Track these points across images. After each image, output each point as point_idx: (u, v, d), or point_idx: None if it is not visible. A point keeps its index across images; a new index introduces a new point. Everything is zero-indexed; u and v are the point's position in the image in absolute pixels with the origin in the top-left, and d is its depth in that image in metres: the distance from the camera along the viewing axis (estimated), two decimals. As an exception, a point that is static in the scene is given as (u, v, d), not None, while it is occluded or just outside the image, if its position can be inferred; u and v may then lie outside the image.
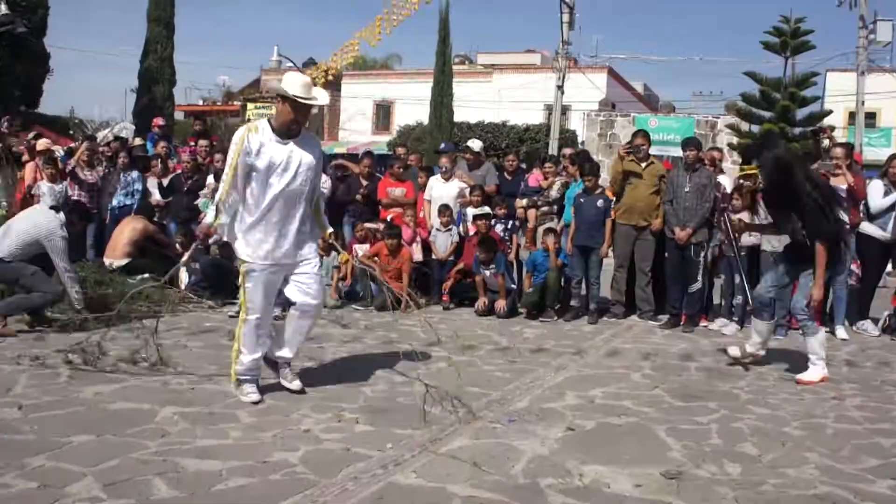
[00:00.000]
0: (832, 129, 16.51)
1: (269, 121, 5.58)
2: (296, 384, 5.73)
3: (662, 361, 7.28)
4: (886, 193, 9.14)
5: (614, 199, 9.61)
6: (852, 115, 27.93)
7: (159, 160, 11.81)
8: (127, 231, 10.14)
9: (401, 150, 12.00)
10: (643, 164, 9.50)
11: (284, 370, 5.82)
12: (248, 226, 5.51)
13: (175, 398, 5.43)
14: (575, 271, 9.57)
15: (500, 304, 9.31)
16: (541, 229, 10.00)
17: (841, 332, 8.94)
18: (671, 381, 6.49)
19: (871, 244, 9.27)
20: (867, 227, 9.23)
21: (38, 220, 7.66)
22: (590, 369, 6.79)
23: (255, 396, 5.45)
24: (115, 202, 11.24)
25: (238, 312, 5.86)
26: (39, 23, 27.25)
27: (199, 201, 10.68)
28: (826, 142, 11.64)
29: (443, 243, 10.38)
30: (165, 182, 11.28)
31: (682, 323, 9.11)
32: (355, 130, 40.02)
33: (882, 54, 28.88)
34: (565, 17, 26.84)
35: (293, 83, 5.48)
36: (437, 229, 10.42)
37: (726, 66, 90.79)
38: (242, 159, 5.39)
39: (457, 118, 30.36)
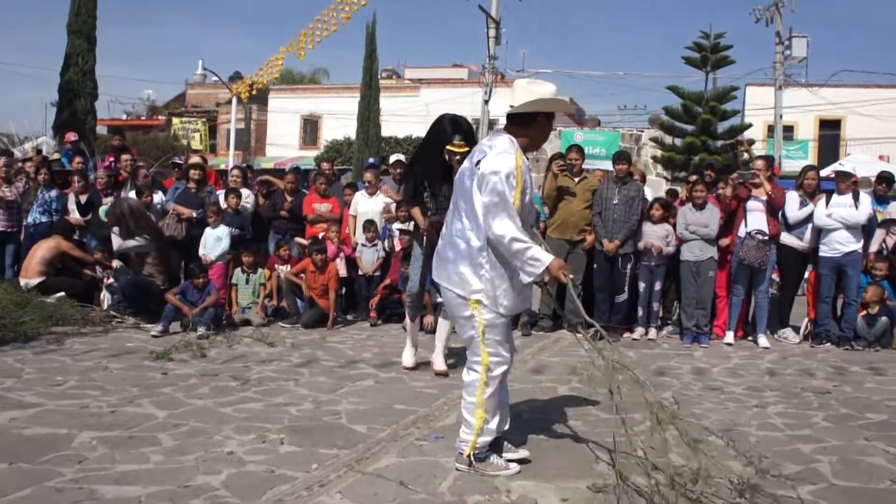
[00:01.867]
0: (751, 142, 16.93)
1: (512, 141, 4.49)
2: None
3: (589, 374, 7.31)
4: (802, 205, 9.39)
5: (547, 212, 9.68)
6: (771, 129, 28.71)
7: (78, 176, 11.49)
8: (41, 250, 9.85)
9: (326, 166, 11.91)
10: (576, 179, 9.59)
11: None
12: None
13: (94, 422, 5.26)
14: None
15: (428, 319, 9.27)
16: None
17: (763, 340, 9.14)
18: (598, 393, 6.52)
19: (790, 254, 9.52)
20: (785, 238, 9.47)
21: None
22: (517, 384, 6.78)
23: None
24: (30, 219, 10.88)
25: None
26: (-46, 36, 26.45)
27: (101, 209, 10.43)
28: (745, 154, 11.92)
29: (369, 259, 10.33)
30: (84, 199, 10.97)
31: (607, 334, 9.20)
32: (282, 145, 39.68)
33: (798, 69, 29.77)
34: (492, 32, 27.08)
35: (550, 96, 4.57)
36: (363, 245, 10.37)
37: (650, 81, 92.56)
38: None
39: (384, 132, 30.37)
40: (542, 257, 4.35)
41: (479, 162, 4.42)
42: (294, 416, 5.58)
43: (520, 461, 4.67)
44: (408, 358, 7.30)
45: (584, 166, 9.94)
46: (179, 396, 6.01)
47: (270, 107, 41.87)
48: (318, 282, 9.61)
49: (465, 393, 4.56)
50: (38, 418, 5.33)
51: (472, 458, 4.48)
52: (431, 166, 6.78)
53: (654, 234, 9.29)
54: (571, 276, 4.94)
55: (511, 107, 4.52)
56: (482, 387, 4.46)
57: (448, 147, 6.51)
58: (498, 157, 4.36)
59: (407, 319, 7.66)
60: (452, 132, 6.57)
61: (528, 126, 4.55)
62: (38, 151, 14.61)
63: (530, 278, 4.41)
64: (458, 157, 6.24)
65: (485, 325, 4.44)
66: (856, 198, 9.11)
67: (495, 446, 4.66)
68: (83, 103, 27.15)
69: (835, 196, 9.24)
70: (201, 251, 9.80)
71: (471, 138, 6.53)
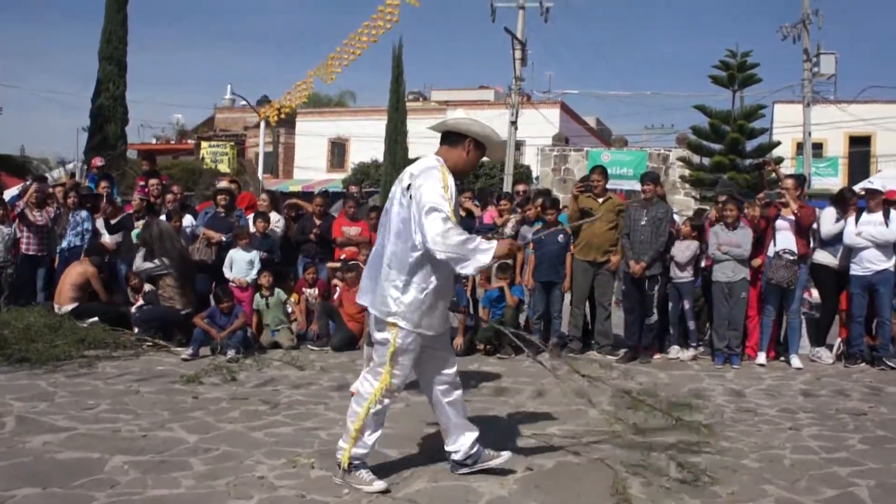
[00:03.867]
0: (779, 161, 16.84)
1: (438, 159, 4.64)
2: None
3: (620, 397, 7.25)
4: (838, 221, 9.30)
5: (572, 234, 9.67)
6: (800, 146, 28.49)
7: (105, 200, 11.62)
8: (71, 276, 9.94)
9: (354, 189, 11.95)
10: (600, 200, 9.56)
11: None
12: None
13: (126, 446, 5.29)
14: (536, 307, 9.56)
15: (458, 341, 9.24)
16: (494, 267, 9.98)
17: (795, 361, 9.02)
18: (629, 416, 6.47)
19: (826, 273, 9.43)
20: (820, 257, 9.39)
21: None
22: (548, 406, 6.75)
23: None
24: (64, 243, 11.01)
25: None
26: (-11, 63, 26.96)
27: (133, 232, 10.55)
28: (773, 174, 11.85)
29: (399, 281, 10.31)
30: (114, 222, 11.08)
31: (638, 356, 9.17)
32: (310, 168, 39.91)
33: (826, 86, 29.60)
34: (518, 54, 27.12)
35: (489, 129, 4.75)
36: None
37: (677, 101, 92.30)
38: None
39: (411, 154, 30.40)
40: (488, 244, 4.39)
41: (409, 185, 4.49)
42: (324, 440, 5.57)
43: (503, 472, 4.82)
44: None
45: (611, 186, 9.93)
46: (210, 420, 6.03)
47: (298, 130, 42.14)
48: (349, 301, 9.63)
49: (353, 401, 4.66)
50: (70, 442, 5.36)
51: (345, 468, 4.58)
52: None
53: (677, 249, 9.28)
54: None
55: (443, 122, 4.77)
56: (373, 403, 4.55)
57: None
58: (425, 172, 4.47)
59: None
60: None
61: (455, 146, 4.68)
62: (72, 176, 14.79)
63: (482, 264, 4.36)
64: None
65: (396, 348, 4.49)
66: (886, 215, 9.00)
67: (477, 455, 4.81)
68: (114, 128, 27.53)
69: (864, 214, 9.13)
70: (226, 274, 9.85)
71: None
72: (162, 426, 5.83)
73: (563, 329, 9.74)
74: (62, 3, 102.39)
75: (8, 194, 12.61)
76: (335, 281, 10.19)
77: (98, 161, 14.29)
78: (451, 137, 4.70)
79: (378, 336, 4.58)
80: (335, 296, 10.06)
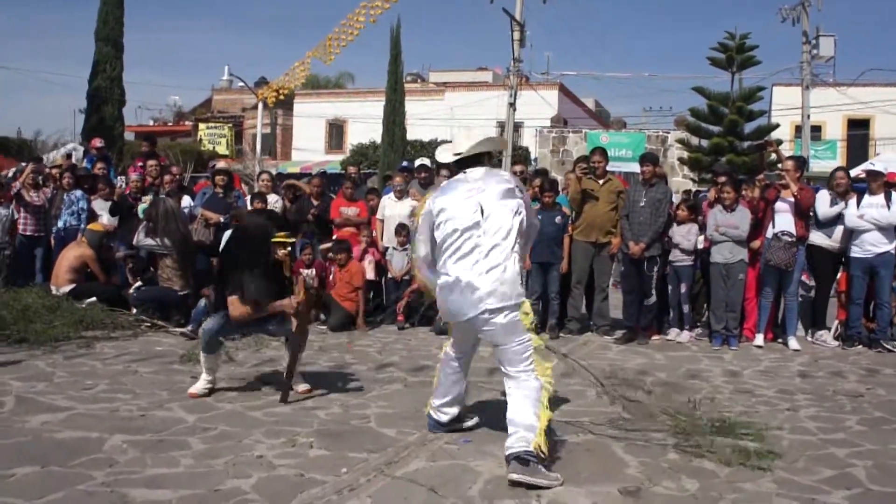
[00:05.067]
0: (778, 142, 16.78)
1: None
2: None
3: (619, 377, 7.27)
4: (833, 203, 9.27)
5: (572, 215, 9.65)
6: (798, 129, 28.45)
7: (102, 181, 11.59)
8: (67, 259, 9.91)
9: (352, 170, 11.93)
10: (601, 182, 9.56)
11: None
12: None
13: (125, 425, 5.29)
14: (533, 288, 9.56)
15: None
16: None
17: (793, 342, 9.05)
18: (628, 397, 6.48)
19: (822, 254, 9.43)
20: (816, 238, 9.38)
21: None
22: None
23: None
24: (60, 223, 10.99)
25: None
26: (-17, 43, 26.78)
27: (140, 207, 10.53)
28: (773, 156, 11.82)
29: (399, 263, 10.33)
30: (110, 204, 11.06)
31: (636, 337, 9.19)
32: (308, 149, 39.83)
33: (825, 69, 29.46)
34: (516, 35, 27.00)
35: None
36: (394, 248, 10.37)
37: (675, 83, 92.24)
38: None
39: (410, 136, 30.37)
40: None
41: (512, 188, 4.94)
42: (323, 419, 5.58)
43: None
44: None
45: (609, 168, 9.92)
46: (209, 400, 6.03)
47: (296, 111, 42.02)
48: (342, 281, 9.63)
49: (525, 400, 4.62)
50: (69, 422, 5.36)
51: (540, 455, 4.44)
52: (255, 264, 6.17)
53: (679, 234, 9.25)
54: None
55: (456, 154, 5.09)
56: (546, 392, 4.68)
57: (275, 240, 6.28)
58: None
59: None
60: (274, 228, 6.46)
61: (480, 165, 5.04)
62: (68, 157, 14.73)
63: None
64: (286, 249, 6.35)
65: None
66: (888, 198, 8.99)
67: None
68: (111, 110, 27.42)
69: (866, 196, 9.12)
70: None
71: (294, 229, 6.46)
72: (160, 406, 5.83)
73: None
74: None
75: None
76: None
77: (97, 142, 14.25)
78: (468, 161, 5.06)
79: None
80: (329, 277, 10.06)
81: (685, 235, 9.25)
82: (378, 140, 30.90)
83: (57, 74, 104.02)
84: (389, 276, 10.42)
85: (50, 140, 25.98)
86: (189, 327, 8.71)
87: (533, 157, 32.26)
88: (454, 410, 5.31)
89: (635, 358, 8.29)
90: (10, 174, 13.14)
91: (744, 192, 9.48)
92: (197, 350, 7.50)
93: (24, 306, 8.55)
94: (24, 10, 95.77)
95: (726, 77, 25.60)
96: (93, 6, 27.56)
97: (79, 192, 11.12)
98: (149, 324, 9.12)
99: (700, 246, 9.40)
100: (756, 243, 9.24)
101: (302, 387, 6.31)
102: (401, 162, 16.87)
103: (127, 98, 28.48)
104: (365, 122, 35.76)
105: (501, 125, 30.87)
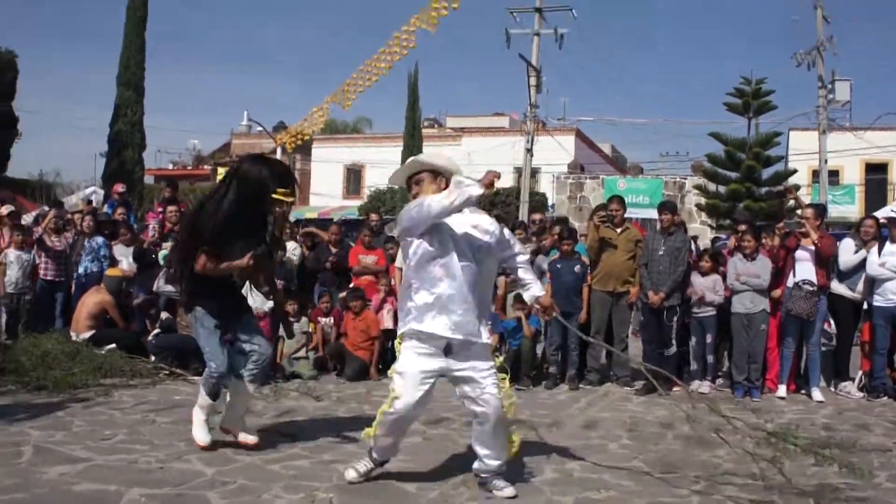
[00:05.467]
0: (797, 188, 16.72)
1: None
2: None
3: (640, 430, 7.19)
4: (857, 252, 9.21)
5: (589, 264, 9.61)
6: (816, 174, 28.38)
7: (123, 227, 11.66)
8: (87, 304, 9.94)
9: (373, 217, 11.96)
10: (618, 231, 9.54)
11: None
12: None
13: (143, 478, 5.25)
14: (553, 338, 9.49)
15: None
16: (510, 296, 9.95)
17: (817, 394, 8.93)
18: (650, 451, 6.40)
19: (844, 304, 9.34)
20: (838, 288, 9.30)
21: None
22: (567, 441, 6.67)
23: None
24: (81, 269, 11.05)
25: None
26: (8, 87, 27.18)
27: (161, 254, 10.55)
28: (791, 201, 11.77)
29: (417, 311, 10.28)
30: (133, 249, 11.10)
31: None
32: (326, 194, 40.03)
33: (842, 113, 29.49)
34: (532, 81, 27.17)
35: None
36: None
37: (691, 128, 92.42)
38: None
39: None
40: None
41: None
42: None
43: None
44: None
45: (627, 215, 9.90)
46: (227, 452, 5.98)
47: (314, 156, 42.33)
48: (357, 329, 9.61)
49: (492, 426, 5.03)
50: (87, 473, 5.33)
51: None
52: (250, 221, 5.98)
53: (703, 286, 9.16)
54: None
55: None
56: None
57: (276, 196, 5.91)
58: None
59: None
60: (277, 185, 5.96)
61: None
62: (89, 202, 14.86)
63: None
64: (285, 208, 6.14)
65: None
66: (910, 246, 8.92)
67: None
68: (131, 154, 27.75)
69: (887, 244, 9.05)
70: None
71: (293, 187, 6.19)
72: (179, 458, 5.79)
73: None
74: (81, 28, 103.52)
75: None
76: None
77: (119, 187, 14.38)
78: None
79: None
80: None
81: (712, 288, 9.15)
82: (395, 185, 31.01)
83: (78, 118, 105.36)
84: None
85: (70, 184, 26.27)
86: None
87: (550, 202, 32.28)
88: None
89: (656, 410, 8.19)
90: (32, 218, 13.23)
91: (763, 241, 9.43)
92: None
93: (44, 352, 8.56)
94: (47, 54, 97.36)
95: (742, 122, 25.65)
96: (115, 50, 28.01)
97: (100, 239, 11.18)
98: (167, 371, 9.10)
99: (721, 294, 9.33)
100: (777, 292, 9.17)
101: (249, 438, 6.11)
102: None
103: (147, 142, 28.82)
104: (382, 167, 35.92)
105: (518, 170, 30.93)
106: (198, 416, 6.09)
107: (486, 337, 5.06)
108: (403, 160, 29.08)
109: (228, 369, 6.00)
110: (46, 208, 13.10)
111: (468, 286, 4.92)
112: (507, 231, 5.41)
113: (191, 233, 6.00)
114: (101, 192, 21.75)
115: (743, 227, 9.45)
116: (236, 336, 6.11)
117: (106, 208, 13.75)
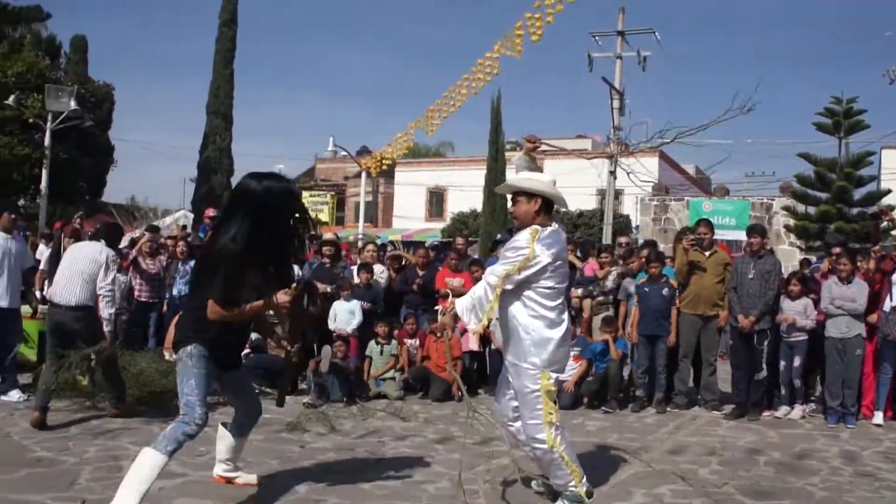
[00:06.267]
0: (891, 208, 16.23)
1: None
2: None
3: (730, 455, 7.06)
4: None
5: (678, 288, 9.51)
6: (910, 194, 27.45)
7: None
8: (179, 325, 10.22)
9: (460, 241, 12.03)
10: (707, 254, 9.42)
11: None
12: None
13: (237, 494, 5.37)
14: (640, 360, 9.41)
15: (569, 384, 9.07)
16: (597, 319, 9.89)
17: (878, 417, 8.66)
18: (741, 476, 6.28)
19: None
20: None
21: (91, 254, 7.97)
22: (656, 464, 6.59)
23: None
24: (174, 291, 11.39)
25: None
26: (105, 116, 28.21)
27: None
28: (886, 223, 11.46)
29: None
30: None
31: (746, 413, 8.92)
32: (409, 217, 40.38)
33: (938, 129, 28.50)
34: (615, 103, 27.02)
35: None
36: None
37: (778, 148, 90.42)
38: None
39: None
40: None
41: None
42: (432, 494, 5.56)
43: None
44: None
45: (714, 237, 9.78)
46: (318, 471, 6.08)
47: (397, 179, 42.76)
48: (440, 351, 9.65)
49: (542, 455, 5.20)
50: (183, 488, 5.48)
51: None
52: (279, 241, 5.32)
53: (793, 310, 8.97)
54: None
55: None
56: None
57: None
58: None
59: None
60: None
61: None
62: (183, 227, 15.30)
63: None
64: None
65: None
66: None
67: None
68: (220, 179, 28.52)
69: None
70: (330, 325, 10.02)
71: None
72: (272, 475, 5.90)
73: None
74: (173, 60, 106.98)
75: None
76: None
77: (211, 212, 14.75)
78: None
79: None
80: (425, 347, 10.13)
81: (803, 312, 8.95)
82: (478, 208, 31.13)
83: (169, 146, 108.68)
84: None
85: (160, 208, 27.09)
86: (309, 397, 8.90)
87: (634, 224, 31.96)
88: None
89: (746, 435, 8.03)
90: (127, 241, 13.66)
91: (858, 264, 9.19)
92: (303, 419, 7.65)
93: (140, 370, 8.83)
94: (142, 84, 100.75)
95: (831, 142, 25.07)
96: (205, 80, 28.88)
97: (193, 263, 11.49)
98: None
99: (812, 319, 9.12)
100: (873, 317, 8.91)
101: (246, 478, 5.65)
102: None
103: (235, 167, 29.57)
104: (464, 191, 36.13)
105: (602, 193, 30.73)
106: (144, 478, 4.84)
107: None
108: (487, 184, 29.35)
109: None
110: (138, 233, 13.50)
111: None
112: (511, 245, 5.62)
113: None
114: (191, 215, 22.34)
115: (838, 250, 9.23)
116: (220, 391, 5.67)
117: (199, 233, 14.10)
